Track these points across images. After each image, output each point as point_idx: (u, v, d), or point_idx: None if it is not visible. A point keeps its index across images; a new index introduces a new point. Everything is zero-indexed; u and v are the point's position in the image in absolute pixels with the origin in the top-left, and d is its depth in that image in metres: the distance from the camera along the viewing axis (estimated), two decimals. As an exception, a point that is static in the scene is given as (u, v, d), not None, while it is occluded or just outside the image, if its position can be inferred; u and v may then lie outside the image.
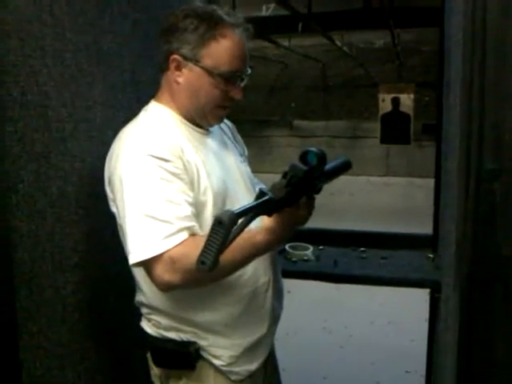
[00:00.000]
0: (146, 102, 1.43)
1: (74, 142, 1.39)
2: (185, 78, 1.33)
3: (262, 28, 6.23)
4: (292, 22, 5.93)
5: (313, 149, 1.19)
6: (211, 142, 1.42)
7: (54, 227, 1.33)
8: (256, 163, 1.63)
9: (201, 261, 0.99)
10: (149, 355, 1.42)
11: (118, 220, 1.31)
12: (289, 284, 1.60)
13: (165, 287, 1.24)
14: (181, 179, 1.25)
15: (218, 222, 0.96)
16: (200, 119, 1.38)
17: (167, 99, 1.38)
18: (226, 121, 1.60)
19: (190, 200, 1.26)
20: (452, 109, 1.58)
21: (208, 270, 1.00)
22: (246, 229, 1.12)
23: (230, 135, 1.58)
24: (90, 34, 1.45)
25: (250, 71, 1.38)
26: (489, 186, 1.09)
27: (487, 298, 1.11)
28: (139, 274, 1.34)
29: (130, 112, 1.47)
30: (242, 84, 1.38)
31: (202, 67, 1.30)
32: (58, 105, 1.33)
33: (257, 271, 1.39)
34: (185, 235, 1.20)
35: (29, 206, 1.25)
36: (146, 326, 1.41)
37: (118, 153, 1.28)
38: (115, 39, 1.57)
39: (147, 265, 1.22)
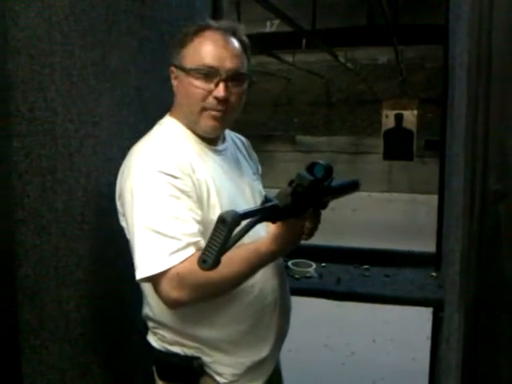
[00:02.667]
0: (151, 118, 1.44)
1: (80, 158, 1.40)
2: (176, 85, 1.37)
3: (266, 44, 6.27)
4: (296, 38, 5.98)
5: (320, 161, 1.20)
6: (223, 159, 1.42)
7: (58, 242, 1.33)
8: (257, 178, 1.64)
9: (202, 259, 0.99)
10: (154, 369, 1.42)
11: (127, 235, 1.32)
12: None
13: (172, 304, 1.24)
14: (189, 197, 1.25)
15: (221, 221, 0.97)
16: (194, 125, 1.37)
17: (174, 112, 1.40)
18: (240, 137, 1.61)
19: (198, 218, 1.26)
20: (456, 128, 1.59)
21: (209, 269, 0.99)
22: (250, 238, 1.14)
23: (245, 152, 1.58)
24: (97, 51, 1.47)
25: (236, 69, 1.33)
26: (494, 207, 1.09)
27: (493, 322, 1.10)
28: (147, 287, 1.34)
29: (135, 128, 1.48)
30: (245, 88, 1.37)
31: (182, 68, 1.33)
32: (65, 120, 1.34)
33: (264, 290, 1.38)
34: (192, 250, 1.20)
35: (34, 221, 1.25)
36: (152, 340, 1.41)
37: (129, 168, 1.29)
38: (122, 56, 1.59)
39: (154, 281, 1.22)
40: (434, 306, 2.02)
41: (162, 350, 1.38)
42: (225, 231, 0.97)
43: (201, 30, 1.34)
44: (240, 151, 1.55)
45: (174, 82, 1.38)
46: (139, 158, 1.28)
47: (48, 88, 1.28)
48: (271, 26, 6.96)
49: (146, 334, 1.43)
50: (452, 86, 1.87)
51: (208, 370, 1.36)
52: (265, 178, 1.61)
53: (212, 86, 1.31)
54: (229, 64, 1.32)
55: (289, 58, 8.56)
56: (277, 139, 11.88)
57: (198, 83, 1.32)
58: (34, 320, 1.26)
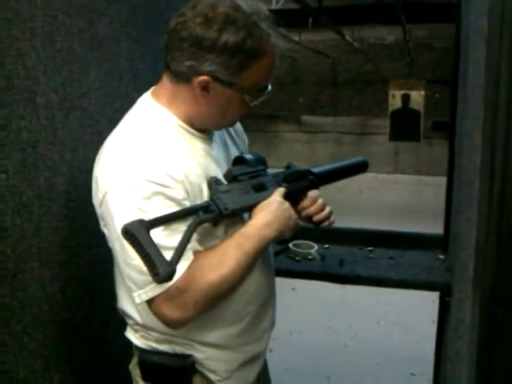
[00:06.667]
0: (145, 90, 1.34)
1: (65, 131, 1.32)
2: (212, 98, 1.16)
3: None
4: (302, 17, 5.86)
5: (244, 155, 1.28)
6: (212, 149, 1.27)
7: (41, 221, 1.25)
8: (263, 158, 1.56)
9: (154, 273, 0.96)
10: (132, 367, 1.31)
11: (108, 243, 1.18)
12: (293, 282, 1.54)
13: (178, 324, 1.13)
14: (181, 205, 1.11)
15: (124, 233, 0.97)
16: (211, 128, 1.26)
17: (169, 102, 1.21)
18: None
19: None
20: (470, 106, 1.50)
21: (167, 278, 0.96)
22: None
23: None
24: (84, 17, 1.38)
25: None
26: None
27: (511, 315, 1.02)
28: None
29: (127, 100, 1.39)
30: None
31: (239, 89, 1.15)
32: (48, 90, 1.25)
33: (260, 287, 1.31)
34: (190, 256, 1.09)
35: (14, 199, 1.17)
36: (133, 337, 1.28)
37: (109, 172, 1.12)
38: (112, 23, 1.49)
39: (152, 301, 1.10)
40: (440, 290, 1.94)
41: (147, 348, 1.26)
42: (137, 240, 0.96)
43: (265, 42, 1.12)
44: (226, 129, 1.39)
45: (202, 92, 1.14)
46: (123, 162, 1.11)
47: (28, 55, 1.19)
48: (277, 3, 6.81)
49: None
50: (464, 61, 1.77)
51: (199, 368, 1.26)
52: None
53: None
54: None
55: (295, 37, 8.43)
56: (282, 119, 11.77)
57: (251, 101, 1.19)
58: (14, 304, 1.19)
